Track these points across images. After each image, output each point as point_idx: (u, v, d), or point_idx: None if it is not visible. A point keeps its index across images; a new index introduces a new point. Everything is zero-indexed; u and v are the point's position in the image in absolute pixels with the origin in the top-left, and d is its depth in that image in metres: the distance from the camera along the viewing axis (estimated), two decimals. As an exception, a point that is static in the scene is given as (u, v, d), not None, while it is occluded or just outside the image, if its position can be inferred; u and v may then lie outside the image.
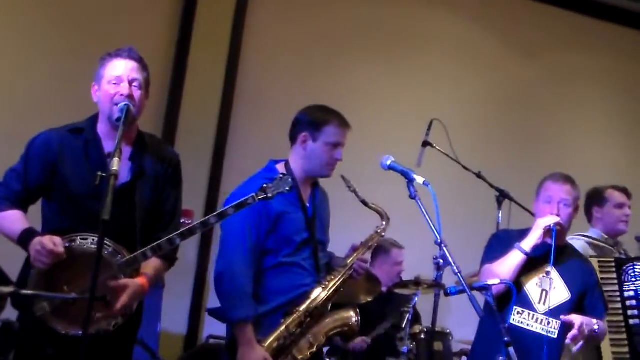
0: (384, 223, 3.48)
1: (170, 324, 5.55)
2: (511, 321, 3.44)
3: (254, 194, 2.90)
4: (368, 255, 3.49)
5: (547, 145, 7.00)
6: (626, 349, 3.89)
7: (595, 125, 7.34)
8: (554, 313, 3.50)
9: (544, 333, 3.49)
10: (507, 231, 3.93)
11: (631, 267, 3.92)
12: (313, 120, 3.37)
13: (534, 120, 7.08)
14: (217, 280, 3.24)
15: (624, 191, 4.40)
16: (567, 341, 3.41)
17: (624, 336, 3.89)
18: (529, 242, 3.47)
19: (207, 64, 6.04)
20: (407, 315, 4.74)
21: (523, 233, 3.60)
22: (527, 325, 3.48)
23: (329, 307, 3.31)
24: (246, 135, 6.08)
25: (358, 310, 3.36)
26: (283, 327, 3.17)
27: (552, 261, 3.38)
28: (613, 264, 3.98)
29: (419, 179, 3.17)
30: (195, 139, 5.92)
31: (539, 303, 3.50)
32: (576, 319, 3.42)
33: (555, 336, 3.49)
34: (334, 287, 3.28)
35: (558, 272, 3.54)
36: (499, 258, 3.50)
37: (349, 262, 3.35)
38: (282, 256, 3.26)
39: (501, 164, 6.45)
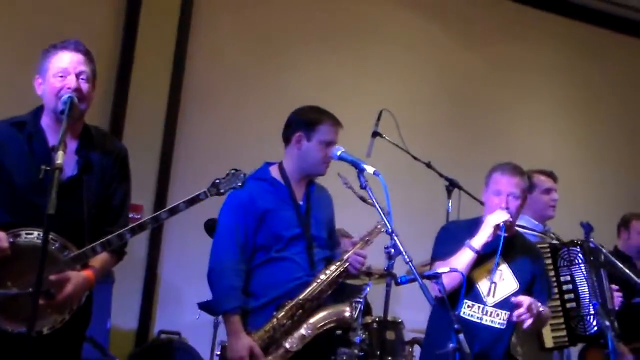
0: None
1: (120, 319, 5.48)
2: (462, 314, 3.48)
3: (205, 190, 2.92)
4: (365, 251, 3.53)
5: (495, 133, 7.09)
6: (564, 332, 3.96)
7: (540, 112, 7.46)
8: (502, 304, 3.56)
9: (493, 325, 3.55)
10: (456, 223, 3.96)
11: (566, 252, 3.98)
12: (307, 120, 3.49)
13: (481, 109, 7.17)
14: (207, 276, 3.38)
15: (551, 175, 4.42)
16: (514, 319, 3.47)
17: (562, 320, 3.95)
18: (479, 240, 3.49)
19: (154, 57, 5.96)
20: (359, 306, 4.75)
21: (472, 224, 3.64)
22: (477, 318, 3.54)
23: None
24: (195, 129, 6.03)
25: (354, 305, 3.47)
26: (274, 319, 3.29)
27: (498, 257, 3.44)
28: (548, 250, 4.03)
29: (369, 169, 3.22)
30: (143, 132, 5.84)
31: (488, 295, 3.55)
32: (525, 299, 3.48)
33: (504, 327, 3.56)
34: (327, 281, 3.38)
35: (507, 263, 3.60)
36: (450, 252, 3.52)
37: (345, 256, 3.44)
38: (274, 251, 3.39)
39: (450, 153, 6.51)
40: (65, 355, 2.92)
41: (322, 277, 3.38)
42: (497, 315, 3.54)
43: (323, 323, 3.35)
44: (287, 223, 3.41)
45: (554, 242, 4.18)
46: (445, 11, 7.14)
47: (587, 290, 3.91)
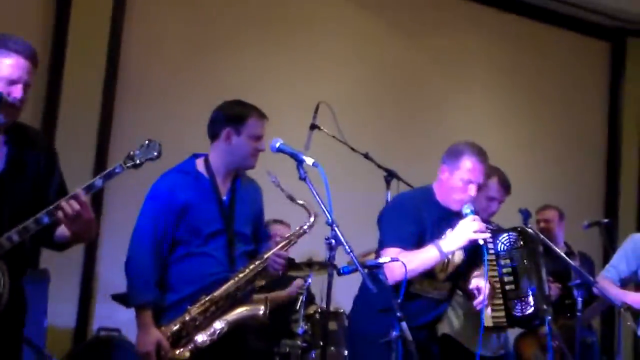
0: (311, 219, 3.54)
1: (58, 318, 5.38)
2: (410, 289, 3.43)
3: (121, 162, 2.82)
4: (286, 252, 3.51)
5: (433, 125, 7.16)
6: (503, 314, 4.04)
7: (478, 103, 7.57)
8: (451, 277, 3.66)
9: (440, 297, 3.65)
10: (403, 197, 3.85)
11: (506, 237, 4.05)
12: (234, 115, 3.46)
13: (419, 101, 7.22)
14: (125, 266, 3.36)
15: (505, 186, 4.47)
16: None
17: (501, 301, 4.03)
18: (450, 246, 3.42)
19: (87, 49, 5.83)
20: (301, 297, 4.77)
21: (425, 195, 3.63)
22: (426, 292, 3.58)
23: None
24: (131, 121, 5.93)
25: (268, 303, 3.40)
26: (186, 314, 3.27)
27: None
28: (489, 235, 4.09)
29: (309, 160, 3.21)
30: (77, 129, 5.71)
31: (440, 272, 3.60)
32: (481, 283, 3.55)
33: (445, 297, 3.69)
34: (245, 278, 3.35)
35: None
36: (405, 236, 3.47)
37: (265, 255, 3.42)
38: (193, 246, 3.35)
39: (388, 144, 6.56)
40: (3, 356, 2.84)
41: (240, 274, 3.35)
42: (443, 287, 3.62)
43: (236, 320, 3.32)
44: (208, 218, 3.38)
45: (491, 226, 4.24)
46: (384, 4, 7.17)
47: (525, 274, 3.99)
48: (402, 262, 3.18)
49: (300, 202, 3.50)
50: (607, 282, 4.32)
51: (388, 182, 4.93)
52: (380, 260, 3.13)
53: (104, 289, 5.61)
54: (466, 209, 3.46)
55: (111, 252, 5.71)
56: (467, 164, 3.51)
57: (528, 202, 4.45)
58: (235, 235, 3.42)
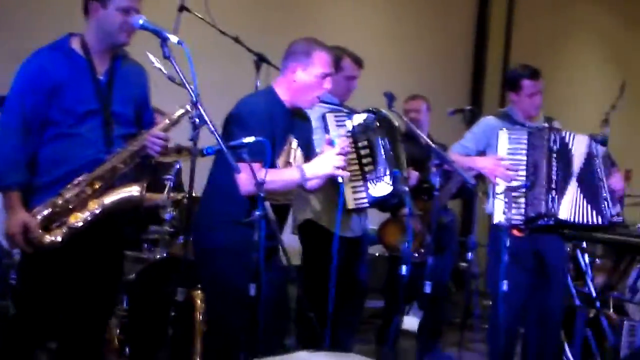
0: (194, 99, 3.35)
1: None
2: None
3: None
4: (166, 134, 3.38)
5: (304, 13, 7.09)
6: (364, 195, 4.14)
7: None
8: None
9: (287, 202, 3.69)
10: (249, 102, 3.64)
11: (363, 117, 4.09)
12: None
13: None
14: None
15: (358, 62, 4.47)
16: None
17: (361, 183, 4.12)
18: (311, 173, 3.45)
19: None
20: (169, 184, 4.73)
21: (268, 97, 3.57)
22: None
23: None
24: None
25: (145, 184, 3.33)
26: (59, 196, 3.18)
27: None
28: (345, 116, 4.14)
29: (173, 39, 3.15)
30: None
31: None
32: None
33: None
34: (122, 160, 3.25)
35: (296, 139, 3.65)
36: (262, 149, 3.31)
37: (143, 136, 3.31)
38: (65, 127, 3.23)
39: (258, 28, 6.46)
40: None
41: (117, 156, 3.26)
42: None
43: (113, 202, 3.26)
44: (82, 97, 3.26)
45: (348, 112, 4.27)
46: None
47: (384, 155, 4.07)
48: (257, 180, 3.08)
49: (179, 82, 3.34)
50: (456, 155, 4.48)
51: (258, 67, 4.89)
52: (244, 140, 3.10)
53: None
54: (334, 137, 3.56)
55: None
56: (321, 59, 3.52)
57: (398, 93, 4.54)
58: (113, 115, 3.32)
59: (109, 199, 3.25)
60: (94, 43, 3.32)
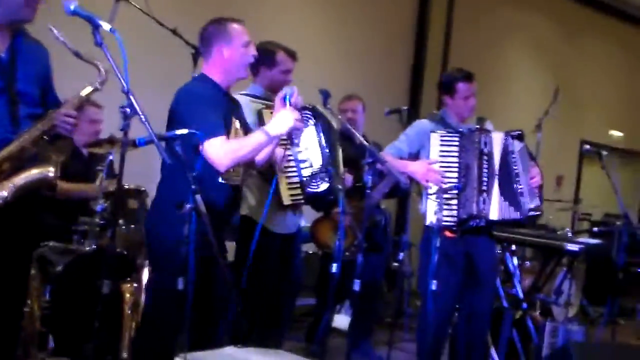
0: (102, 74, 3.27)
1: None
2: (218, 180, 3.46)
3: None
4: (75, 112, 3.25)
5: (244, 6, 7.04)
6: (299, 191, 4.18)
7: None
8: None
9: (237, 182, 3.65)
10: (196, 86, 3.64)
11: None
12: None
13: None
14: None
15: (293, 56, 4.47)
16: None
17: (297, 180, 4.15)
18: (275, 131, 3.46)
19: None
20: (101, 174, 4.63)
21: (204, 83, 3.56)
22: (232, 180, 3.56)
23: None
24: None
25: (59, 166, 3.23)
26: None
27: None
28: None
29: (106, 26, 3.04)
30: None
31: None
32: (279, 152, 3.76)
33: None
34: (30, 139, 3.13)
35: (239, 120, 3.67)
36: (219, 123, 3.41)
37: (53, 114, 3.18)
38: None
39: (197, 21, 6.37)
40: None
41: (26, 135, 3.15)
42: (239, 171, 3.60)
43: (25, 183, 3.15)
44: None
45: None
46: None
47: (320, 151, 4.10)
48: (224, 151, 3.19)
49: (88, 59, 3.23)
50: (389, 157, 4.51)
51: (195, 60, 4.86)
52: (177, 132, 3.06)
53: None
54: (287, 90, 3.55)
55: None
56: (236, 30, 3.57)
57: (337, 92, 4.55)
58: (18, 94, 3.20)
59: (21, 180, 3.12)
60: None
